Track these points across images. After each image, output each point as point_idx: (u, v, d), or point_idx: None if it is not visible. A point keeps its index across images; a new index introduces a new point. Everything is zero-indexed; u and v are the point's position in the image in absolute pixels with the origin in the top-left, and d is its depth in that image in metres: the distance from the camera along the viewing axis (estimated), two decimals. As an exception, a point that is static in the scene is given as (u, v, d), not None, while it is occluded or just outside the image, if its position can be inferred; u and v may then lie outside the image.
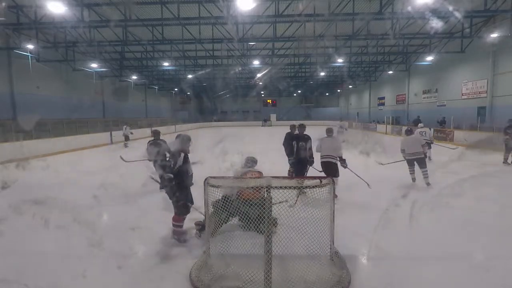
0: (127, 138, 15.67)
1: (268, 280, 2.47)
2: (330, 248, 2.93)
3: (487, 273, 2.94)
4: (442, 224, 4.23)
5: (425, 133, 9.14)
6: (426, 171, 6.23)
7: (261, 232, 2.63)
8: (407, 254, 3.34)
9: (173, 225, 3.72)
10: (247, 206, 2.93)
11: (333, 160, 5.43)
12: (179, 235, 3.70)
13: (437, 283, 2.79)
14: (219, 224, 3.44)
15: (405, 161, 6.48)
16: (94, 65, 20.02)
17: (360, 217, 4.47)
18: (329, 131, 5.81)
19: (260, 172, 4.32)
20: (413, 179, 6.49)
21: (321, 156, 5.56)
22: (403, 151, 6.44)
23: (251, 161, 4.60)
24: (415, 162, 6.31)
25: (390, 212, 4.48)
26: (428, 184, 6.19)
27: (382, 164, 7.01)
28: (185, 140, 3.77)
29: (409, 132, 6.83)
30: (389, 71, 25.92)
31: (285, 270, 2.78)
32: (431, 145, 9.37)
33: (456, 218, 4.47)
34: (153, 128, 7.47)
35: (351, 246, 3.47)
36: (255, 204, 2.73)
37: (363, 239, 3.68)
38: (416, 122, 18.92)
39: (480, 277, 2.88)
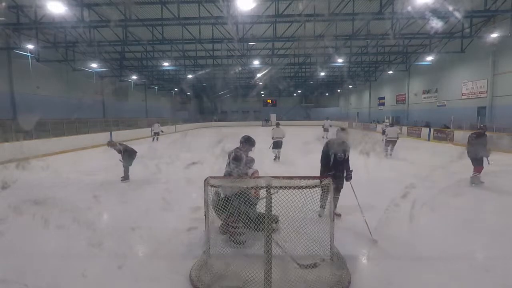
0: (157, 134, 17.41)
1: (268, 280, 2.47)
2: (330, 248, 2.93)
3: (487, 273, 2.94)
4: (442, 224, 4.23)
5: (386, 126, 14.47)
6: (393, 149, 10.44)
7: (261, 230, 2.62)
8: (407, 254, 3.34)
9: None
10: (246, 206, 2.92)
11: (281, 140, 9.33)
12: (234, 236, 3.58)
13: (437, 283, 2.79)
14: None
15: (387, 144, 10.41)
16: (94, 65, 20.01)
17: (360, 217, 4.46)
18: (277, 124, 9.77)
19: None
20: (387, 155, 10.30)
21: (273, 138, 9.35)
22: (386, 135, 10.80)
23: (251, 161, 4.58)
24: (390, 144, 10.34)
25: (390, 212, 4.47)
26: (390, 155, 10.35)
27: None
28: (247, 142, 3.88)
29: (390, 125, 11.59)
30: (389, 71, 25.92)
31: (285, 270, 2.78)
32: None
33: (456, 218, 4.47)
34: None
35: (351, 246, 3.47)
36: (255, 203, 2.72)
37: (363, 239, 3.68)
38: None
39: (480, 277, 2.88)
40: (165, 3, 12.13)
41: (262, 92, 41.25)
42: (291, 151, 10.76)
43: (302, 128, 31.92)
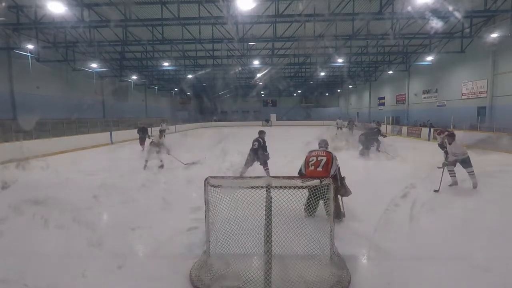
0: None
1: (268, 280, 2.46)
2: (330, 248, 2.93)
3: (487, 273, 2.94)
4: (442, 224, 4.22)
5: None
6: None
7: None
8: (407, 254, 3.34)
9: None
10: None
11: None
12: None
13: (437, 283, 2.79)
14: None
15: None
16: (94, 65, 20.00)
17: (360, 217, 4.47)
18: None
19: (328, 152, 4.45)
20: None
21: None
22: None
23: (323, 142, 4.75)
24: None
25: (390, 212, 4.48)
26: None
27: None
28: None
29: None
30: (389, 71, 25.90)
31: (285, 270, 2.78)
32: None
33: (456, 218, 4.47)
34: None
35: (351, 246, 3.47)
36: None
37: (363, 239, 3.68)
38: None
39: (480, 277, 2.88)
40: (165, 3, 12.13)
41: (262, 92, 41.24)
42: (291, 151, 10.71)
43: (303, 128, 31.91)
